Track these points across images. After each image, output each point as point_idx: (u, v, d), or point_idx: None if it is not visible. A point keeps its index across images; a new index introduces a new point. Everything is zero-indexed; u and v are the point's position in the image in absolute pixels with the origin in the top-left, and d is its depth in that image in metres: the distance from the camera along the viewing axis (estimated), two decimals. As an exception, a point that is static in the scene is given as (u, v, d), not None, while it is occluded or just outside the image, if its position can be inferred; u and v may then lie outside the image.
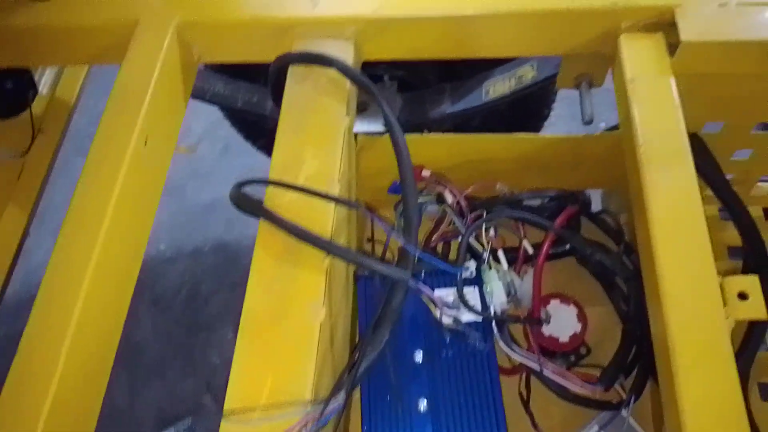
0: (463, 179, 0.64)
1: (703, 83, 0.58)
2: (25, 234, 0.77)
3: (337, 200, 0.48)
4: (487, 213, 0.60)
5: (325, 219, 0.48)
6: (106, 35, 0.65)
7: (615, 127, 0.62)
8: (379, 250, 0.74)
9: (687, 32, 0.52)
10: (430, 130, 0.91)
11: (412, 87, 0.91)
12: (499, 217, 0.59)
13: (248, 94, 0.90)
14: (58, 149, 0.84)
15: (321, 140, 0.54)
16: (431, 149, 0.63)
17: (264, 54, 0.67)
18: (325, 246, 0.46)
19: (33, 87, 0.83)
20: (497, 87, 0.79)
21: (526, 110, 0.93)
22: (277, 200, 0.52)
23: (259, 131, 1.15)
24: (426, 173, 0.63)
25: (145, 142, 0.57)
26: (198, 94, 0.87)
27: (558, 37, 0.59)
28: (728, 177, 0.74)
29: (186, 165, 1.55)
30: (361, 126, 0.86)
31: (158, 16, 0.62)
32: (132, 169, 0.54)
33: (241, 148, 1.23)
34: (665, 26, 0.55)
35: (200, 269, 1.42)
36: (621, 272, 0.61)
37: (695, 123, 0.69)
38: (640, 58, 0.54)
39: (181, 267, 1.44)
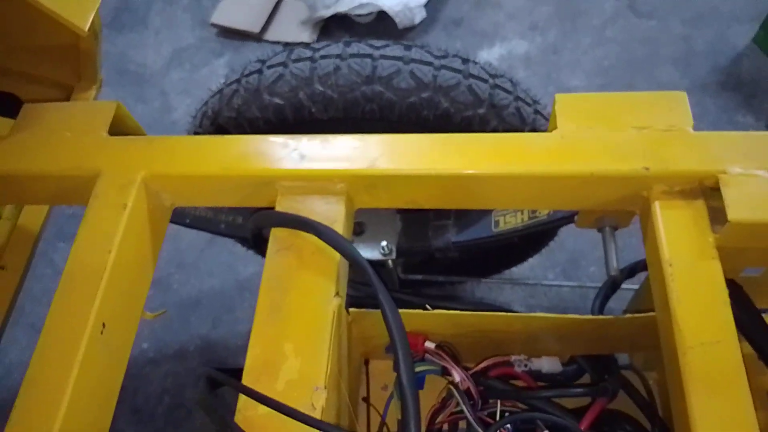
0: (472, 350, 0.56)
1: (745, 240, 0.51)
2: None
3: (321, 427, 0.40)
4: (499, 399, 0.52)
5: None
6: (67, 182, 0.58)
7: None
8: (373, 412, 0.65)
9: (735, 209, 0.44)
10: (432, 257, 0.82)
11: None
12: (516, 420, 0.50)
13: (231, 215, 0.82)
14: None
15: (305, 331, 0.46)
16: (436, 323, 0.54)
17: (247, 201, 0.59)
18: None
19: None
20: (508, 219, 0.71)
21: (535, 242, 0.84)
22: (250, 412, 0.43)
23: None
24: (429, 345, 0.55)
25: (102, 328, 0.48)
26: (177, 219, 0.79)
27: (578, 196, 0.51)
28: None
29: (171, 254, 1.45)
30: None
31: (121, 169, 0.54)
32: (86, 362, 0.46)
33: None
34: (706, 191, 0.48)
35: (184, 372, 1.32)
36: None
37: (734, 270, 0.62)
38: (679, 234, 0.46)
39: (165, 369, 1.34)
